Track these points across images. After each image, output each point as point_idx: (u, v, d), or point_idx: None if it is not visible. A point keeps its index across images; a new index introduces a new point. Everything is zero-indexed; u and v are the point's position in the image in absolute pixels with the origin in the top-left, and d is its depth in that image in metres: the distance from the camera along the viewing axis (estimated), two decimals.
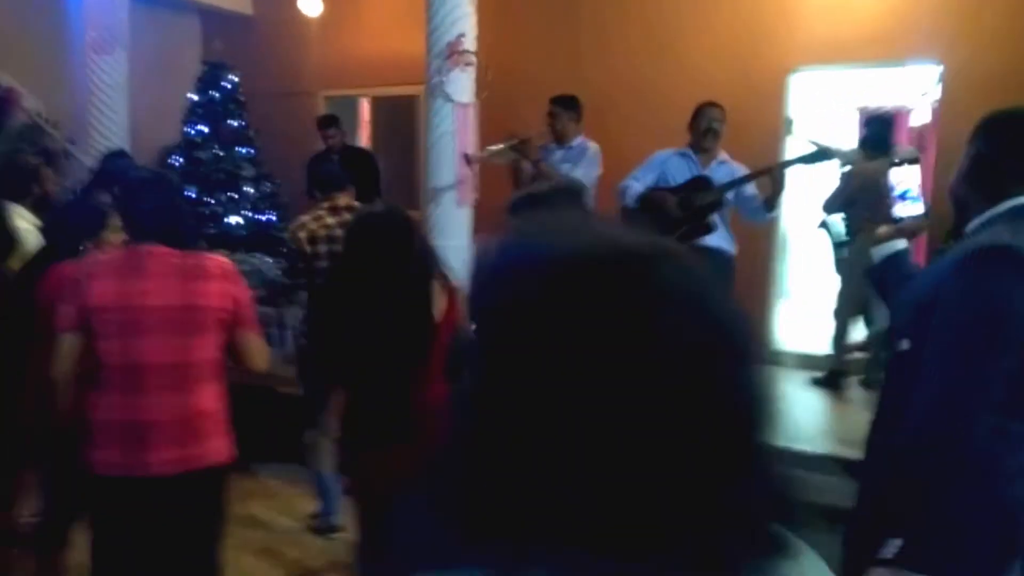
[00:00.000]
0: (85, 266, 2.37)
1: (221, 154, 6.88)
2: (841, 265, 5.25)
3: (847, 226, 5.26)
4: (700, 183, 4.39)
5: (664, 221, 4.30)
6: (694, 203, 4.34)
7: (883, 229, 2.07)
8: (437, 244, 4.98)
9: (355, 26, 7.24)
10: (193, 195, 6.52)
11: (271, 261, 5.52)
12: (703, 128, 4.43)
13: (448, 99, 4.90)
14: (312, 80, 7.46)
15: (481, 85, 5.01)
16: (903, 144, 5.68)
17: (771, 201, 4.32)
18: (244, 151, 6.94)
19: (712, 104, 4.51)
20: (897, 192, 2.13)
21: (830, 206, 5.38)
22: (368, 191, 5.64)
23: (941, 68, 5.31)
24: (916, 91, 7.78)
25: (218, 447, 2.39)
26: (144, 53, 6.52)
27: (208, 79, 7.05)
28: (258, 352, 2.46)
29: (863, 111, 8.32)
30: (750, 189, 4.40)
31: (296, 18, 7.24)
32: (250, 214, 6.78)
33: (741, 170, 4.46)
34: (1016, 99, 5.09)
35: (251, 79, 7.18)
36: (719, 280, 0.72)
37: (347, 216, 3.51)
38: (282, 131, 7.42)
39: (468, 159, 4.85)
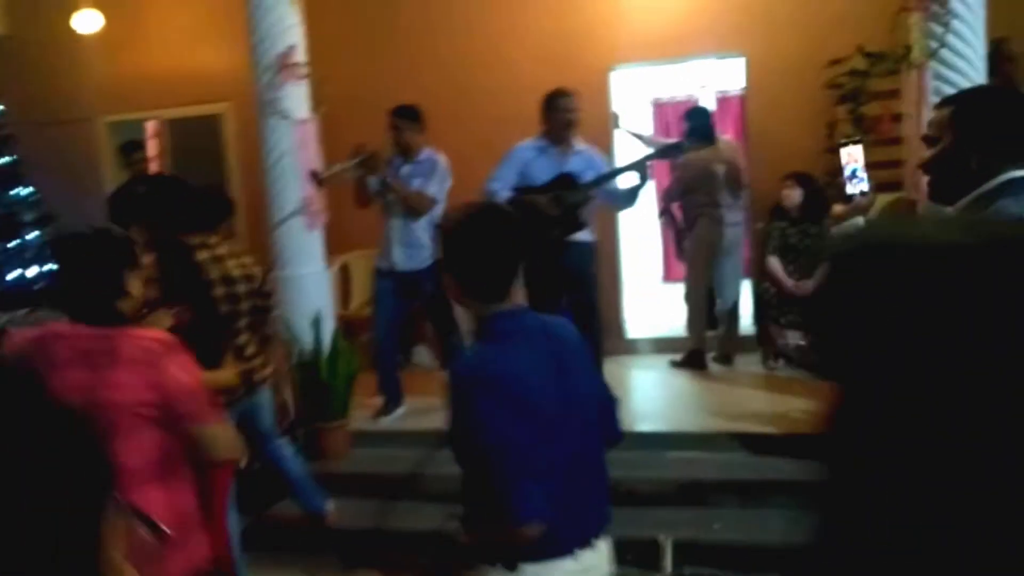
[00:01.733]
0: None
1: None
2: (686, 249, 5.51)
3: (685, 213, 5.54)
4: (566, 180, 4.42)
5: (540, 222, 4.32)
6: (565, 202, 4.36)
7: (838, 208, 2.13)
8: (289, 273, 4.62)
9: (139, 44, 6.51)
10: None
11: None
12: (562, 121, 4.42)
13: (284, 116, 4.53)
14: (90, 105, 6.61)
15: (318, 99, 4.68)
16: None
17: (634, 193, 4.46)
18: (19, 192, 6.02)
19: (564, 93, 4.46)
20: (847, 172, 2.18)
21: (669, 196, 5.64)
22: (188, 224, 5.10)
23: (744, 60, 5.74)
24: (700, 83, 8.42)
25: (171, 568, 1.91)
26: None
27: None
28: (217, 444, 1.99)
29: (655, 103, 8.88)
30: (615, 182, 4.49)
31: (65, 37, 6.38)
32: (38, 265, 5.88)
33: (598, 155, 4.56)
34: (811, 82, 5.62)
35: (16, 108, 6.24)
36: None
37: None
38: (60, 165, 6.52)
39: (317, 178, 4.50)
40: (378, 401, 4.82)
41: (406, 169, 4.70)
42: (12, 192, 6.02)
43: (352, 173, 4.60)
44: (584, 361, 1.89)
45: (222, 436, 2.01)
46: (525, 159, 4.50)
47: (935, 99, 3.69)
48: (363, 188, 4.68)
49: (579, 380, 1.82)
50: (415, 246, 4.73)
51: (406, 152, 4.71)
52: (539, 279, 4.56)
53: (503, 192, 4.41)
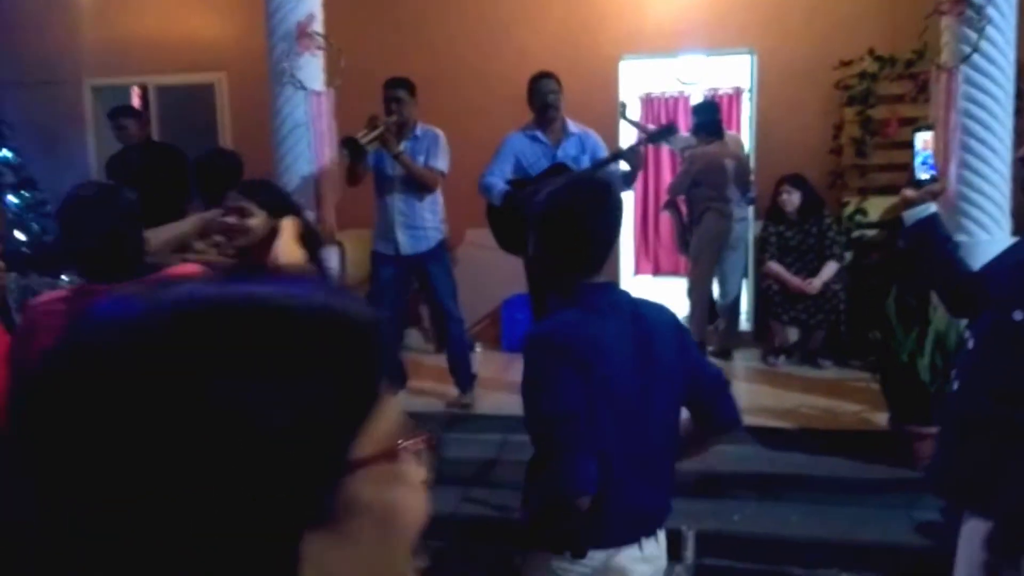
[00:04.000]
0: (28, 316, 1.77)
1: None
2: (691, 244, 5.53)
3: (691, 207, 5.55)
4: (560, 171, 4.35)
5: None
6: None
7: (911, 192, 2.12)
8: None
9: (129, 7, 6.26)
10: None
11: None
12: (539, 104, 4.39)
13: (300, 86, 4.39)
14: (76, 67, 6.34)
15: (333, 72, 4.55)
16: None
17: (629, 178, 4.42)
18: (1, 154, 5.75)
19: (544, 75, 4.43)
20: (920, 158, 2.18)
21: (676, 189, 5.64)
22: (180, 194, 4.93)
23: (754, 56, 5.76)
24: (691, 80, 8.47)
25: None
26: None
27: None
28: None
29: (644, 98, 8.90)
30: (610, 168, 4.45)
31: None
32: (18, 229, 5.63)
33: (591, 137, 4.49)
34: (820, 82, 5.65)
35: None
36: None
37: None
38: (43, 128, 6.25)
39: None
40: None
41: (405, 145, 4.56)
42: None
43: (370, 146, 4.46)
44: (678, 350, 1.80)
45: None
46: (517, 148, 4.44)
47: (966, 104, 3.75)
48: (359, 164, 4.54)
49: (666, 369, 1.76)
50: (420, 227, 4.61)
51: (403, 127, 4.59)
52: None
53: (499, 185, 4.37)
